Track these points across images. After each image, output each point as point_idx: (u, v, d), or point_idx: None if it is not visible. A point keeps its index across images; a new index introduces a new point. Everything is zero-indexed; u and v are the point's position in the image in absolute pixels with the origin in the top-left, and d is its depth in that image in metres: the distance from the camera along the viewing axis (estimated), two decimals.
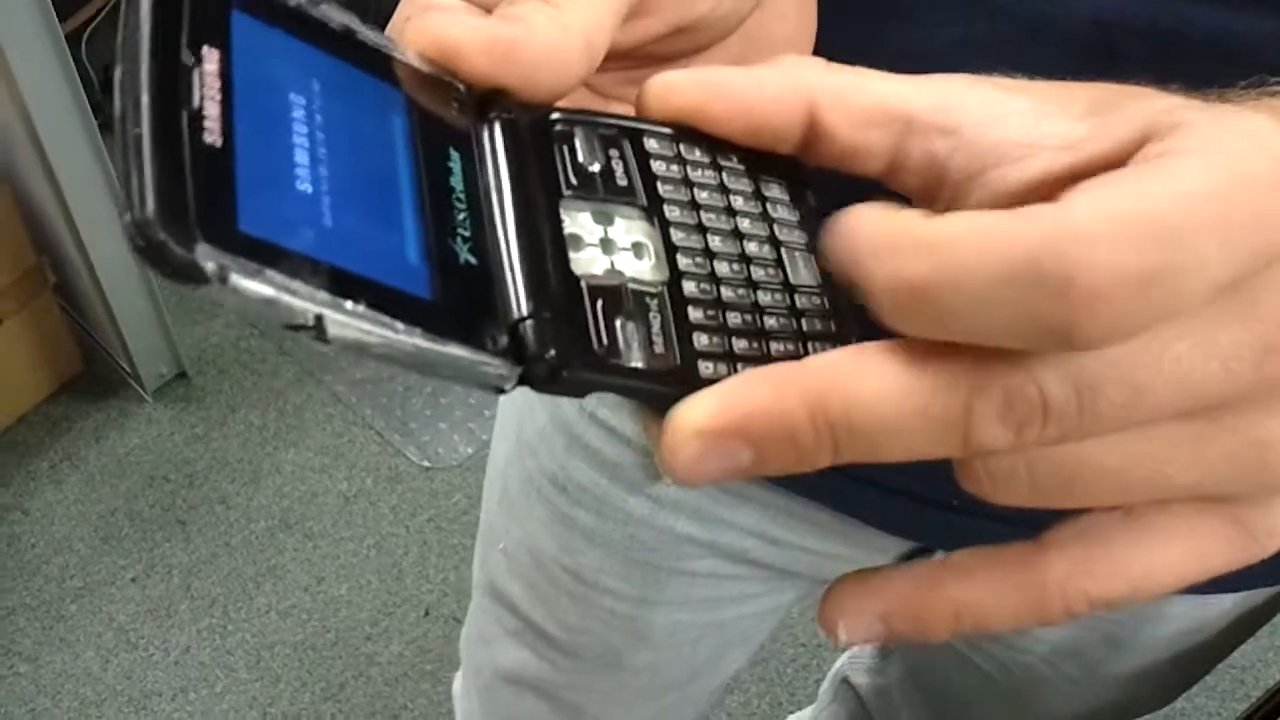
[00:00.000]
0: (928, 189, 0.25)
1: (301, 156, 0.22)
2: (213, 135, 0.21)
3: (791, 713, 1.28)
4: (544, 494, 0.63)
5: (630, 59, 0.29)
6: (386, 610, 1.45)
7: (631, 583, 0.64)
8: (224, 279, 0.20)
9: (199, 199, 0.20)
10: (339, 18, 0.25)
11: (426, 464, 1.56)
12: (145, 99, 0.20)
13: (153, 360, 1.57)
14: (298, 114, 0.23)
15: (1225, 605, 0.61)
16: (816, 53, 0.34)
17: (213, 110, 0.21)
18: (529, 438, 0.63)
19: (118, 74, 0.21)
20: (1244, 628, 0.63)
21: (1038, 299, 0.19)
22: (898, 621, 0.24)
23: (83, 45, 1.72)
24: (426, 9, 0.26)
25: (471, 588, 0.76)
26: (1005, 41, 0.36)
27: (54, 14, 1.20)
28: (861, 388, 0.21)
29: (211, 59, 0.22)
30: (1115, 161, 0.21)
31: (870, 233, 0.21)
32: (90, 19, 1.77)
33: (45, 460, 1.54)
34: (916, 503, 0.51)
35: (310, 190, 0.22)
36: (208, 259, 0.19)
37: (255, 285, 0.20)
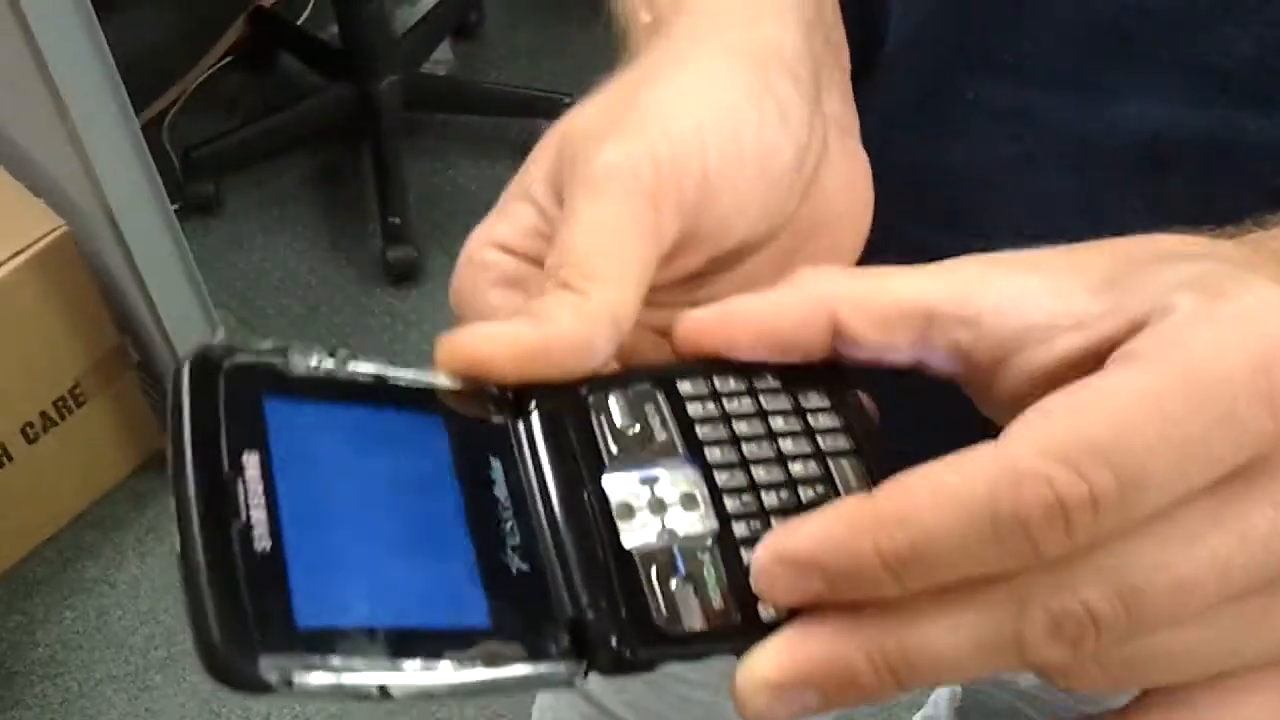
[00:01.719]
0: (958, 375, 0.25)
1: (349, 528, 0.23)
2: (262, 541, 0.21)
3: None
4: None
5: (679, 285, 0.30)
6: None
7: (707, 672, 0.64)
8: (289, 683, 0.20)
9: (257, 611, 0.21)
10: (367, 368, 0.25)
11: None
12: (196, 524, 0.21)
13: None
14: (341, 485, 0.23)
15: None
16: (881, 168, 0.34)
17: (259, 516, 0.22)
18: None
19: (173, 497, 0.21)
20: None
21: (1005, 538, 0.21)
22: None
23: (164, 130, 1.79)
24: (454, 330, 0.26)
25: None
26: (1059, 157, 0.37)
27: (130, 107, 1.24)
28: (914, 631, 0.22)
29: (252, 464, 0.22)
30: (1125, 337, 0.22)
31: (826, 530, 0.22)
32: (171, 104, 1.84)
33: (131, 534, 1.58)
34: None
35: (361, 558, 0.22)
36: (270, 671, 0.20)
37: (318, 679, 0.21)
